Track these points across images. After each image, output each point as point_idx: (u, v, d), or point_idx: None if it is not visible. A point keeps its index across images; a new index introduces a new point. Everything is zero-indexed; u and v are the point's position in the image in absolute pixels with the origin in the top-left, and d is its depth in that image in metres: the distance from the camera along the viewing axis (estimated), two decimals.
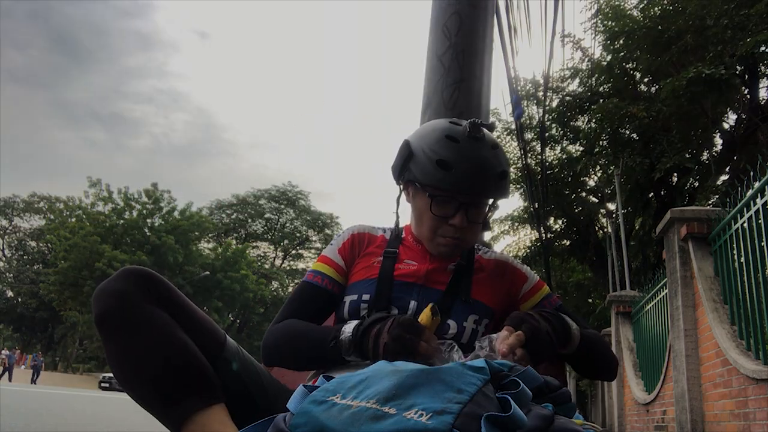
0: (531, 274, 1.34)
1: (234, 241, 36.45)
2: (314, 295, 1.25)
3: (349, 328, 1.08)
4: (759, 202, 3.43)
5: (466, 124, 1.16)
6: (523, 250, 15.21)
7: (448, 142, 1.15)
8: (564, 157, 13.17)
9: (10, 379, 21.58)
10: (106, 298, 1.01)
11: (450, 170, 1.13)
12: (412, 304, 1.20)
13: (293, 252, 42.65)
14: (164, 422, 1.00)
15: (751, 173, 3.58)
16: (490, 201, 1.23)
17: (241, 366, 1.11)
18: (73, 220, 29.43)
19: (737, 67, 9.55)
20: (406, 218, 1.34)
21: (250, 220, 41.52)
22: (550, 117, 12.43)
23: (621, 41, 11.22)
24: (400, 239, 1.31)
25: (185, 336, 1.02)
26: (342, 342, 1.07)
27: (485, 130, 1.18)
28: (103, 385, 22.59)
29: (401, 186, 1.27)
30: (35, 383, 21.34)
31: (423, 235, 1.25)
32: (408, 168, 1.20)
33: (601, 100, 10.86)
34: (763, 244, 3.40)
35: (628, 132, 11.56)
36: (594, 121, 11.55)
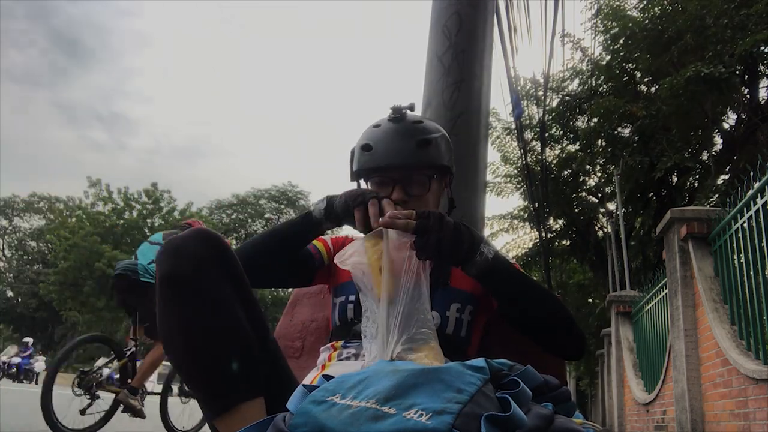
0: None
1: (234, 241, 36.43)
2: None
3: (318, 203, 1.22)
4: (759, 202, 3.43)
5: (389, 109, 1.25)
6: (523, 249, 15.22)
7: (371, 129, 1.25)
8: (564, 156, 13.17)
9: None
10: (181, 259, 0.95)
11: (370, 151, 1.22)
12: None
13: None
14: (204, 402, 0.97)
15: (751, 173, 3.58)
16: (427, 173, 1.23)
17: (280, 357, 1.10)
18: (73, 220, 29.40)
19: (737, 66, 9.55)
20: None
21: (250, 220, 41.48)
22: (550, 117, 12.44)
23: (621, 42, 11.22)
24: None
25: (246, 321, 0.99)
26: (314, 215, 1.20)
27: (408, 111, 1.25)
28: None
29: (357, 185, 1.34)
30: (37, 383, 21.29)
31: None
32: (353, 166, 1.30)
33: (601, 100, 10.87)
34: (763, 244, 3.40)
35: (627, 131, 11.57)
36: (592, 119, 11.55)
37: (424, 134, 1.22)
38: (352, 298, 1.23)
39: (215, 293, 0.96)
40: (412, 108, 1.27)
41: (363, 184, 1.31)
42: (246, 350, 0.96)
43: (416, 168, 1.22)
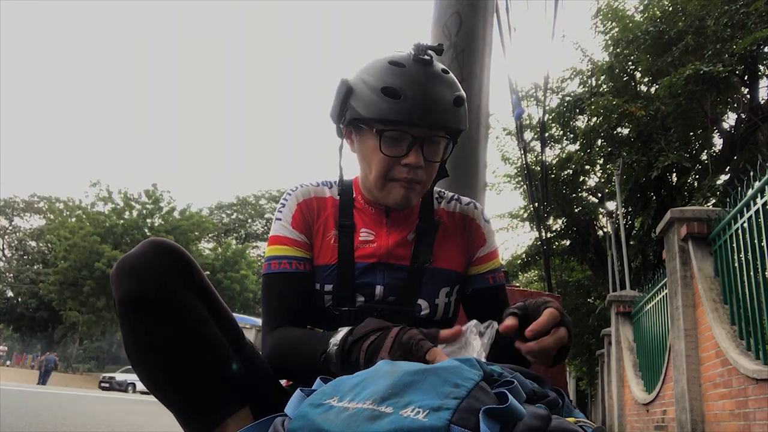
0: (491, 238, 1.21)
1: (234, 241, 36.44)
2: (290, 285, 1.10)
3: (337, 338, 0.94)
4: (759, 202, 3.43)
5: (411, 47, 1.03)
6: (523, 248, 15.23)
7: (392, 67, 1.01)
8: (563, 156, 13.18)
9: (45, 382, 21.26)
10: (141, 278, 0.87)
11: (398, 98, 0.98)
12: (378, 289, 1.10)
13: None
14: (188, 423, 0.93)
15: (751, 173, 3.58)
16: (446, 135, 1.07)
17: (257, 358, 1.06)
18: (73, 220, 29.41)
19: (737, 66, 9.56)
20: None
21: (250, 220, 41.49)
22: (550, 117, 12.45)
23: (621, 42, 11.23)
24: (352, 201, 1.17)
25: (219, 333, 0.94)
26: (329, 355, 0.94)
27: (434, 54, 1.05)
28: (103, 385, 22.55)
29: (342, 132, 1.12)
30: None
31: (373, 183, 1.09)
32: (348, 106, 1.04)
33: (600, 100, 10.89)
34: (763, 244, 3.39)
35: (626, 130, 11.58)
36: (592, 118, 11.55)
37: (458, 90, 1.04)
38: (328, 288, 1.10)
39: (184, 311, 0.89)
40: (440, 51, 1.05)
41: (366, 135, 1.05)
42: (225, 363, 0.92)
43: (444, 129, 1.04)
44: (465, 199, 1.23)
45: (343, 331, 0.95)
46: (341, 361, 0.92)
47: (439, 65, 1.05)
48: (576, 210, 13.75)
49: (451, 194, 1.24)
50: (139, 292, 0.87)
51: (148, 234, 28.61)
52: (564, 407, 0.73)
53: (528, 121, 13.19)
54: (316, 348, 0.97)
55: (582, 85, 12.82)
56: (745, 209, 3.65)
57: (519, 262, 14.69)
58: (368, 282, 1.10)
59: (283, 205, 1.16)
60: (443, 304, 1.13)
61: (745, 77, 10.39)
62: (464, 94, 1.07)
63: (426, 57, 1.02)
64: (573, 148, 13.13)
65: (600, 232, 14.36)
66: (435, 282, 1.12)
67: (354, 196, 1.17)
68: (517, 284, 16.74)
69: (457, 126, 1.04)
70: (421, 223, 1.15)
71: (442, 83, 1.02)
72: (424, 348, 0.85)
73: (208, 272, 29.45)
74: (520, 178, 14.06)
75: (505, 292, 1.21)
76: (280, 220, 1.14)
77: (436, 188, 1.22)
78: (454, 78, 1.07)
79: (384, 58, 1.04)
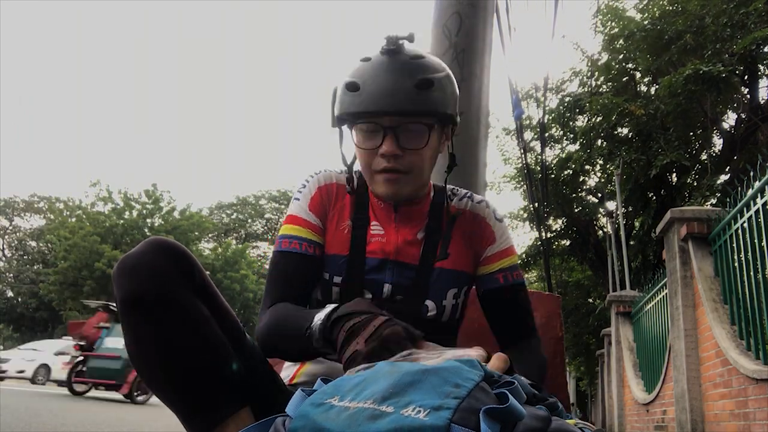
0: (501, 236, 1.18)
1: (234, 241, 36.44)
2: (297, 266, 1.09)
3: (322, 314, 0.93)
4: (759, 202, 3.43)
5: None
6: (523, 248, 15.24)
7: (360, 63, 1.04)
8: (563, 156, 13.19)
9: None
10: (142, 279, 0.88)
11: (357, 90, 1.00)
12: (387, 287, 1.09)
13: None
14: (188, 422, 0.92)
15: (751, 173, 3.58)
16: (425, 122, 1.03)
17: (258, 357, 1.05)
18: (73, 220, 29.42)
19: (736, 66, 9.57)
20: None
21: (250, 220, 41.49)
22: (550, 117, 12.46)
23: (620, 42, 11.24)
24: (367, 194, 1.16)
25: (220, 333, 0.94)
26: (313, 331, 0.93)
27: (406, 43, 1.03)
28: None
29: (339, 132, 1.14)
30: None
31: (366, 178, 1.10)
32: (334, 109, 1.08)
33: (600, 98, 10.89)
34: (763, 244, 3.40)
35: (625, 130, 11.59)
36: (592, 117, 11.56)
37: (425, 73, 1.01)
38: (337, 279, 1.10)
39: (185, 311, 0.90)
40: (411, 39, 1.04)
41: (346, 132, 1.10)
42: (225, 363, 0.92)
43: (414, 115, 1.02)
44: (477, 197, 1.21)
45: (330, 307, 0.94)
46: (323, 336, 0.91)
47: (412, 53, 1.03)
48: (576, 210, 13.76)
49: (464, 191, 1.22)
50: (139, 293, 0.87)
51: (148, 234, 28.60)
52: (560, 413, 0.73)
53: (528, 122, 13.20)
54: (303, 322, 0.96)
55: (582, 86, 12.83)
56: (745, 209, 3.66)
57: (519, 262, 14.68)
58: (377, 279, 1.09)
59: (304, 186, 1.16)
60: (450, 306, 1.12)
61: (745, 77, 10.39)
62: (442, 76, 1.04)
63: (392, 47, 1.01)
64: (573, 148, 13.14)
65: (600, 232, 14.37)
66: (443, 282, 1.11)
67: (368, 189, 1.17)
68: None
69: (425, 108, 1.01)
70: (431, 222, 1.14)
71: (405, 69, 1.00)
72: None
73: (208, 272, 29.19)
74: (520, 178, 14.08)
75: (522, 292, 1.17)
76: (298, 200, 1.14)
77: (450, 186, 1.20)
78: (430, 62, 1.04)
79: (362, 56, 1.06)
